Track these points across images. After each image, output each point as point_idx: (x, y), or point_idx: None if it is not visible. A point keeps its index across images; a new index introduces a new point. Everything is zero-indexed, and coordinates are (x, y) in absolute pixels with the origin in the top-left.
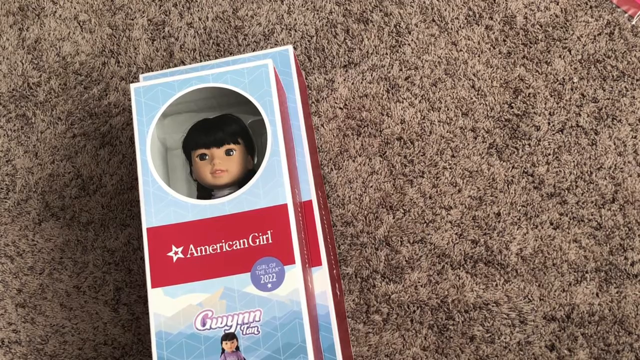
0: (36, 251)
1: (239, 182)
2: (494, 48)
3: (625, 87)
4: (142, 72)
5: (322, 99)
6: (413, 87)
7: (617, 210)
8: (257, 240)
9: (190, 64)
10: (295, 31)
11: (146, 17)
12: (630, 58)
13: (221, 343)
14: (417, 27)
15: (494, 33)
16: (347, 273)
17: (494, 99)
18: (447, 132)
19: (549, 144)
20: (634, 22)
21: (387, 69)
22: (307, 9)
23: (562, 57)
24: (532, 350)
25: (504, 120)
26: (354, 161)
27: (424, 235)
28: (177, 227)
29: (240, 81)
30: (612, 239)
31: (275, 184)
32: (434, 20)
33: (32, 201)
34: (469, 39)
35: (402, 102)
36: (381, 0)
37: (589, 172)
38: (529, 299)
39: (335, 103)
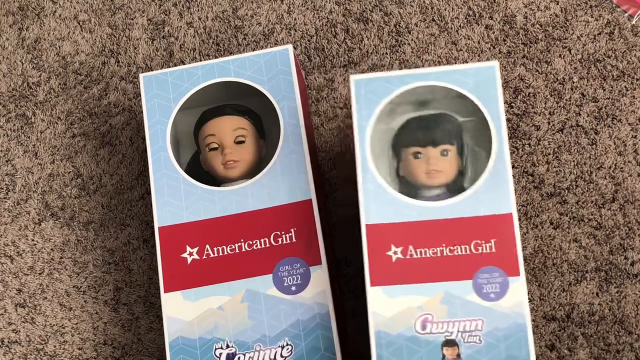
0: (36, 251)
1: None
2: (493, 48)
3: (625, 86)
4: (142, 72)
5: (322, 98)
6: None
7: (617, 210)
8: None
9: (190, 63)
10: (295, 31)
11: (146, 16)
12: (630, 58)
13: (442, 349)
14: (417, 26)
15: (493, 33)
16: (347, 273)
17: None
18: None
19: (549, 144)
20: (634, 22)
21: (387, 68)
22: (307, 8)
23: (562, 56)
24: None
25: None
26: None
27: None
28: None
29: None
30: (612, 238)
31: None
32: (433, 20)
33: (32, 201)
34: (469, 39)
35: None
36: (381, 0)
37: (589, 172)
38: (529, 298)
39: (335, 103)
